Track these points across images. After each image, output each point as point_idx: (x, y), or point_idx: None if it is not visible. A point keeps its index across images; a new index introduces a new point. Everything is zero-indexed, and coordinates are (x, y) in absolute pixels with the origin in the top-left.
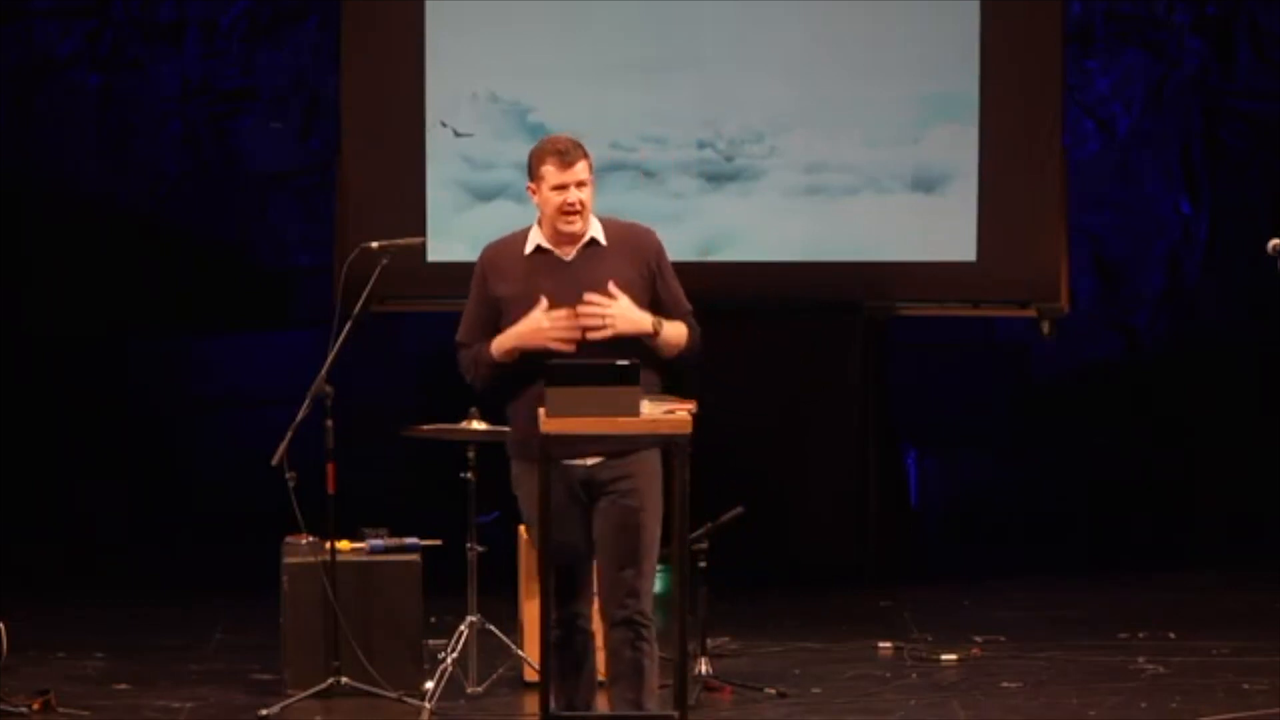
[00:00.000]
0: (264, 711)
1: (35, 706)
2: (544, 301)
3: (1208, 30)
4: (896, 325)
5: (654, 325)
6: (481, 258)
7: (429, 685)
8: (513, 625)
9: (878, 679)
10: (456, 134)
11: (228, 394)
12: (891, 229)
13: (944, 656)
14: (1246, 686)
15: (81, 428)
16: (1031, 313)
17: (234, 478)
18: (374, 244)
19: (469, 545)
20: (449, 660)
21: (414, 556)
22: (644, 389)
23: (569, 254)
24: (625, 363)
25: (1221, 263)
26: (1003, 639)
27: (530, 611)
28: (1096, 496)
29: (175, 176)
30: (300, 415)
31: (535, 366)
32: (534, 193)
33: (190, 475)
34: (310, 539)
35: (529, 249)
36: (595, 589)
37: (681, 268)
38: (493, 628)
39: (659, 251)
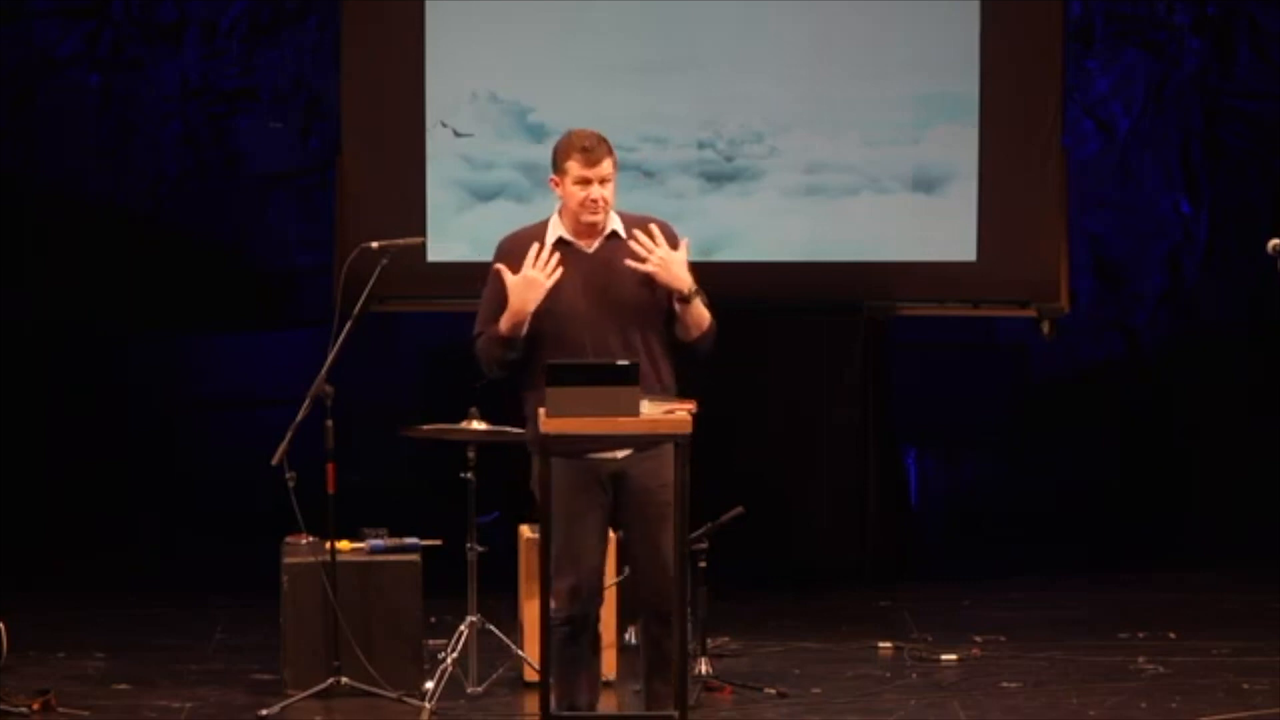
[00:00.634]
0: (264, 711)
1: (35, 706)
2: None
3: (1208, 30)
4: (896, 325)
5: (691, 289)
6: (502, 248)
7: (429, 685)
8: (513, 625)
9: (878, 679)
10: (456, 134)
11: (228, 394)
12: (891, 229)
13: (944, 656)
14: (1246, 686)
15: (81, 427)
16: (1031, 313)
17: (234, 478)
18: (374, 244)
19: (469, 545)
20: (449, 660)
21: (414, 556)
22: (656, 376)
23: (591, 246)
24: (625, 363)
25: (1221, 263)
26: (1003, 639)
27: (530, 611)
28: (1096, 496)
29: (175, 176)
30: (300, 415)
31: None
32: (557, 185)
33: (190, 475)
34: (310, 539)
35: (550, 240)
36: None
37: None
38: (493, 628)
39: (675, 242)
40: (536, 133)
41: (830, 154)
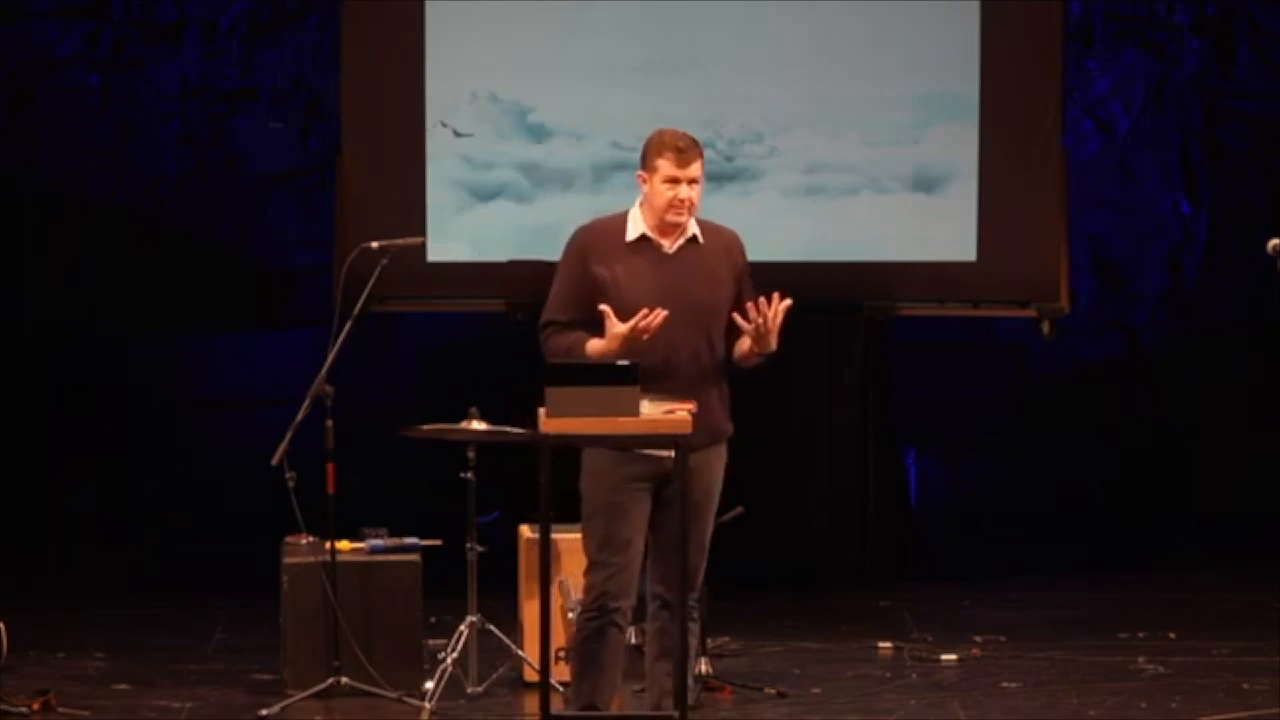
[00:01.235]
0: (264, 711)
1: (35, 706)
2: (607, 310)
3: (1208, 30)
4: (896, 325)
5: (772, 351)
6: (580, 238)
7: (429, 685)
8: (513, 625)
9: (878, 679)
10: (456, 134)
11: (228, 394)
12: (891, 229)
13: (944, 656)
14: (1246, 686)
15: (81, 427)
16: (1031, 313)
17: (234, 478)
18: (374, 244)
19: (469, 545)
20: (449, 660)
21: (414, 556)
22: (716, 381)
23: (671, 246)
24: (625, 363)
25: (1221, 263)
26: (1003, 639)
27: (530, 611)
28: (1096, 496)
29: (175, 176)
30: (300, 415)
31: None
32: (644, 181)
33: (190, 475)
34: (310, 539)
35: (631, 235)
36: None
37: None
38: (493, 628)
39: (744, 256)
40: (536, 133)
41: (830, 154)
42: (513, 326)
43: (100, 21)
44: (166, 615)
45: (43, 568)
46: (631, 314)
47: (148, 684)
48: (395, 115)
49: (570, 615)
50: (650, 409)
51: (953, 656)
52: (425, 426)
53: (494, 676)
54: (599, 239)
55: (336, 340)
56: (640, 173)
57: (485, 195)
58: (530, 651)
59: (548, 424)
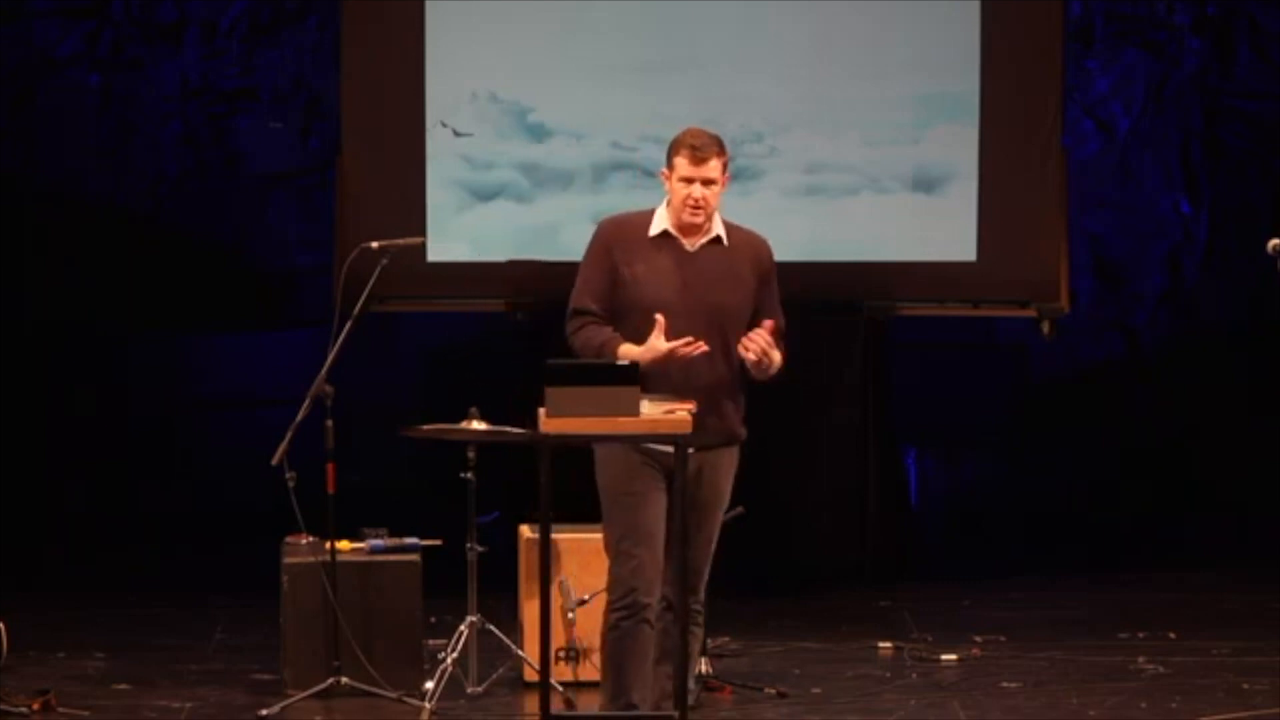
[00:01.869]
0: (264, 711)
1: (35, 706)
2: (660, 320)
3: (1208, 30)
4: (896, 325)
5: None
6: (604, 230)
7: (429, 685)
8: (513, 625)
9: (878, 679)
10: (456, 134)
11: (228, 394)
12: (891, 229)
13: (944, 656)
14: (1246, 686)
15: (81, 427)
16: (1031, 313)
17: (234, 478)
18: (374, 244)
19: (469, 545)
20: (449, 660)
21: (414, 556)
22: (731, 382)
23: (693, 245)
24: (625, 363)
25: (1221, 263)
26: (1003, 639)
27: (530, 611)
28: (1096, 496)
29: (175, 176)
30: (300, 415)
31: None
32: (666, 179)
33: (190, 475)
34: (310, 539)
35: (654, 231)
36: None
37: None
38: (493, 628)
39: (772, 263)
40: (536, 133)
41: (830, 154)
42: (513, 326)
43: (100, 21)
44: (166, 615)
45: (43, 568)
46: (649, 310)
47: (148, 684)
48: (395, 115)
49: (570, 615)
50: (650, 409)
51: (953, 656)
52: (425, 426)
53: (494, 676)
54: (623, 233)
55: (336, 340)
56: (663, 170)
57: (485, 195)
58: (530, 651)
59: (548, 424)
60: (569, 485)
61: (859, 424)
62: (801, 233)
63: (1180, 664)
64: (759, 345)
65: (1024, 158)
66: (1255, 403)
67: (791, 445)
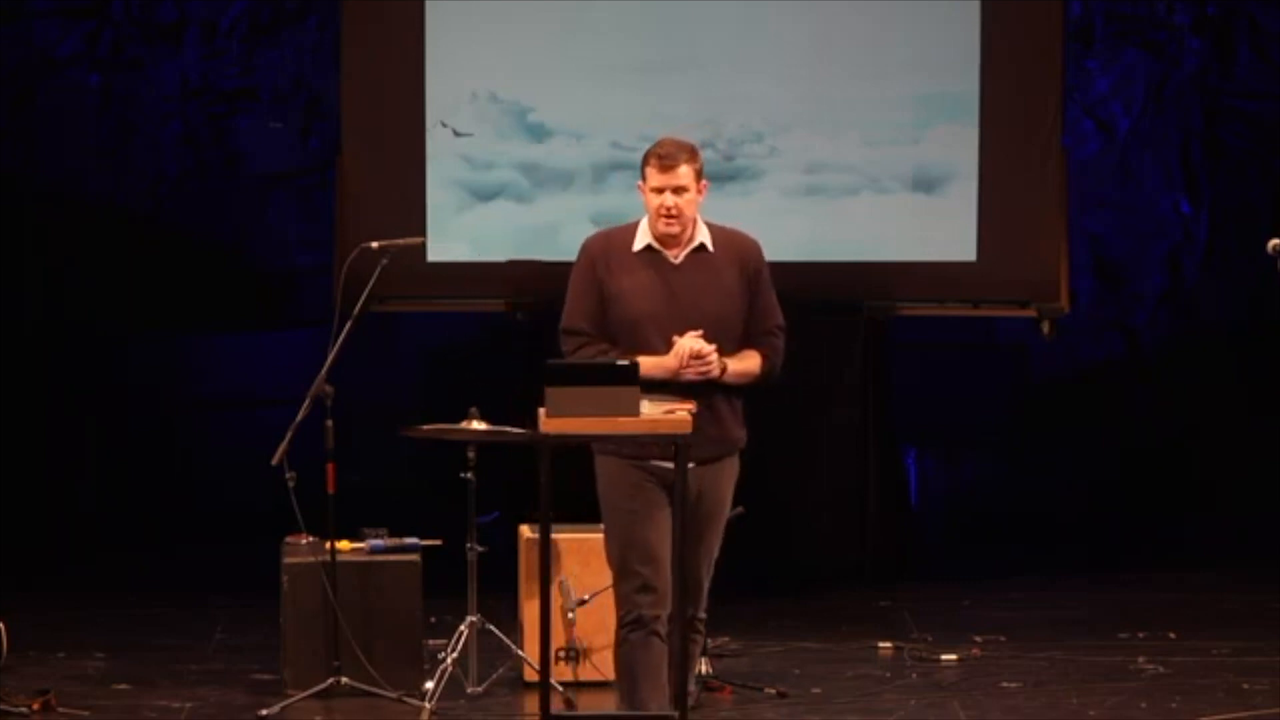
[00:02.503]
0: (264, 711)
1: (35, 706)
2: (682, 345)
3: (1208, 30)
4: (896, 325)
5: (721, 366)
6: (590, 248)
7: (429, 685)
8: (513, 625)
9: (878, 679)
10: (456, 134)
11: (228, 394)
12: (891, 229)
13: (944, 656)
14: (1246, 686)
15: (81, 427)
16: (1031, 313)
17: (234, 478)
18: (374, 244)
19: (469, 545)
20: (449, 660)
21: (414, 556)
22: (724, 392)
23: (678, 256)
24: (625, 362)
25: (1221, 263)
26: (1003, 639)
27: (530, 611)
28: (1096, 496)
29: (175, 176)
30: (300, 415)
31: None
32: (641, 191)
33: (190, 475)
34: (310, 539)
35: (638, 245)
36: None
37: None
38: (493, 628)
39: (760, 262)
40: (536, 133)
41: (830, 154)
42: (513, 326)
43: (100, 21)
44: (166, 615)
45: (43, 568)
46: (637, 329)
47: (148, 684)
48: (395, 115)
49: (570, 615)
50: (650, 409)
51: (953, 656)
52: (425, 426)
53: (494, 676)
54: (608, 248)
55: (336, 340)
56: (639, 182)
57: (485, 195)
58: (530, 651)
59: (548, 424)
60: (569, 485)
61: (859, 424)
62: (801, 233)
63: (1180, 664)
64: (694, 367)
65: (1024, 158)
66: (1255, 403)
67: (791, 445)
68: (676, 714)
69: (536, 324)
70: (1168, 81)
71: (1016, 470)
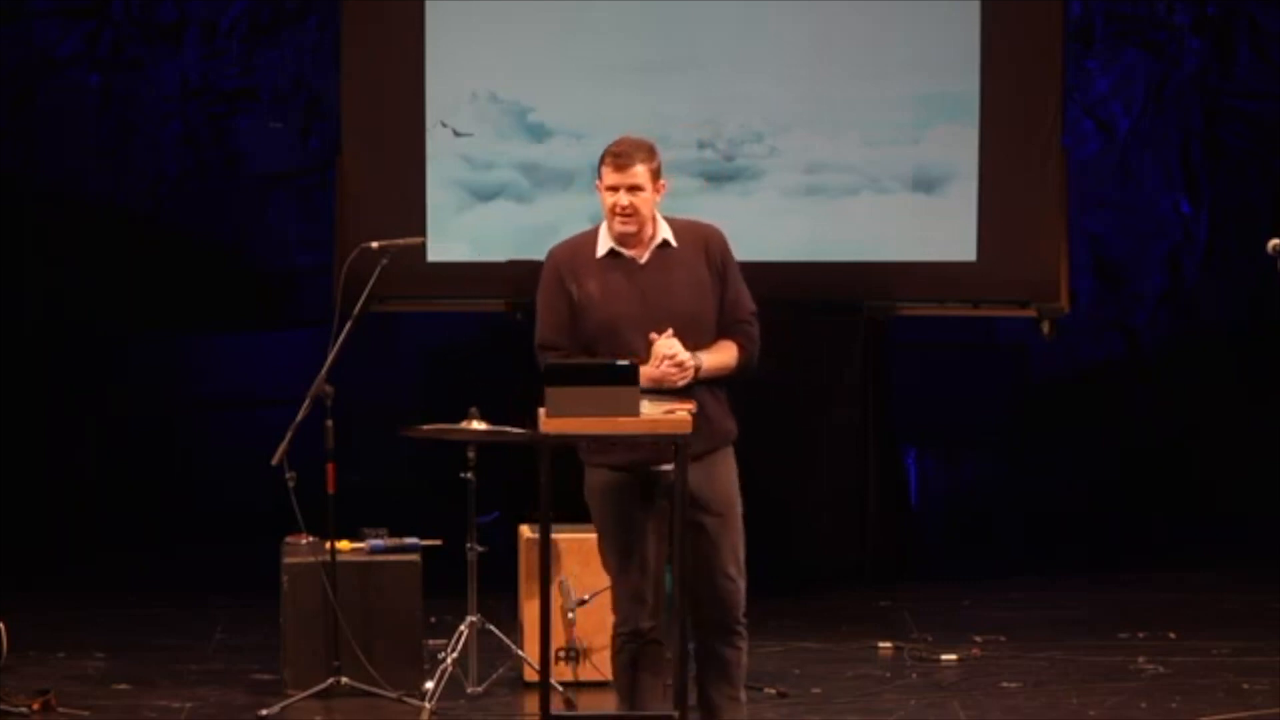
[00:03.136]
0: (264, 711)
1: (35, 706)
2: (657, 349)
3: (1208, 30)
4: (896, 325)
5: (693, 367)
6: (553, 259)
7: (429, 685)
8: (513, 625)
9: (878, 679)
10: (456, 134)
11: (228, 394)
12: (891, 229)
13: (944, 656)
14: (1246, 686)
15: (81, 427)
16: (1031, 313)
17: (234, 478)
18: (374, 244)
19: (469, 545)
20: (449, 660)
21: (414, 556)
22: (706, 386)
23: (642, 256)
24: (625, 362)
25: (1221, 263)
26: (1003, 639)
27: (530, 611)
28: (1096, 496)
29: (175, 176)
30: (300, 415)
31: None
32: (599, 190)
33: (190, 475)
34: (310, 539)
35: (601, 251)
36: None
37: None
38: (493, 628)
39: (724, 250)
40: (536, 133)
41: (830, 154)
42: (513, 326)
43: (100, 21)
44: (166, 615)
45: (43, 568)
46: (611, 333)
47: (148, 684)
48: (395, 115)
49: (570, 615)
50: (650, 409)
51: (953, 656)
52: (425, 426)
53: (494, 676)
54: (571, 257)
55: (336, 340)
56: (597, 182)
57: (485, 195)
58: (530, 651)
59: (548, 424)
60: (569, 485)
61: (859, 424)
62: (801, 233)
63: (1180, 664)
64: (667, 368)
65: (1024, 158)
66: (1255, 403)
67: (791, 445)
68: (676, 714)
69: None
70: (1168, 81)
71: (1016, 470)
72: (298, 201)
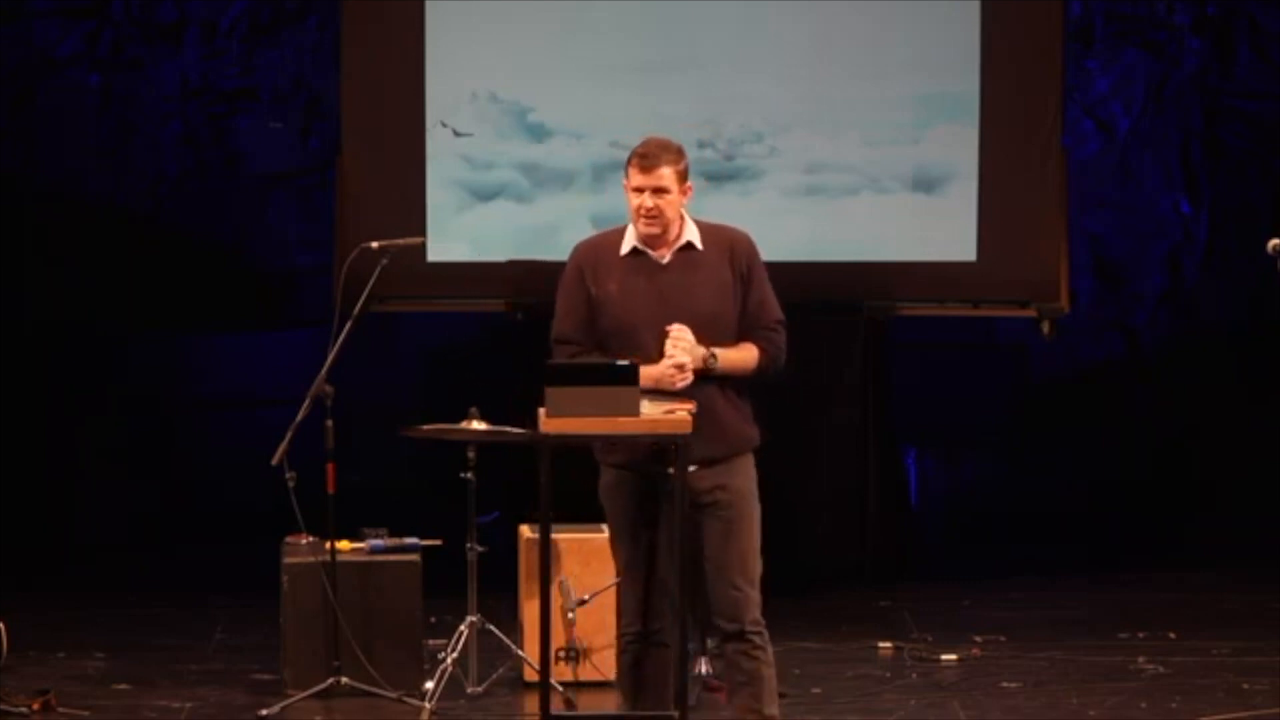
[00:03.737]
0: (264, 711)
1: (35, 706)
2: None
3: (1208, 30)
4: (896, 325)
5: (706, 360)
6: (577, 255)
7: (429, 685)
8: (513, 625)
9: (878, 679)
10: (456, 134)
11: (228, 394)
12: (891, 229)
13: (944, 656)
14: (1246, 686)
15: (81, 427)
16: (1031, 313)
17: (234, 478)
18: (374, 244)
19: (469, 545)
20: (449, 660)
21: (414, 556)
22: (720, 389)
23: (664, 256)
24: (625, 362)
25: (1221, 263)
26: (1003, 639)
27: (530, 611)
28: (1096, 496)
29: (175, 176)
30: (300, 415)
31: None
32: (625, 190)
33: (190, 475)
34: (310, 539)
35: (625, 249)
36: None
37: None
38: (493, 628)
39: (751, 255)
40: (536, 133)
41: (830, 154)
42: (513, 326)
43: (100, 21)
44: (166, 615)
45: (43, 568)
46: (629, 333)
47: (148, 684)
48: (395, 115)
49: (570, 615)
50: (650, 409)
51: (953, 656)
52: (425, 426)
53: (494, 676)
54: (594, 254)
55: (336, 340)
56: (624, 181)
57: (485, 195)
58: (530, 651)
59: (548, 424)
60: (569, 485)
61: (859, 424)
62: (801, 233)
63: (1180, 664)
64: (666, 367)
65: (1024, 158)
66: (1255, 403)
67: (791, 445)
68: (676, 714)
69: (536, 324)
70: (1168, 81)
71: (1016, 470)
72: (298, 201)
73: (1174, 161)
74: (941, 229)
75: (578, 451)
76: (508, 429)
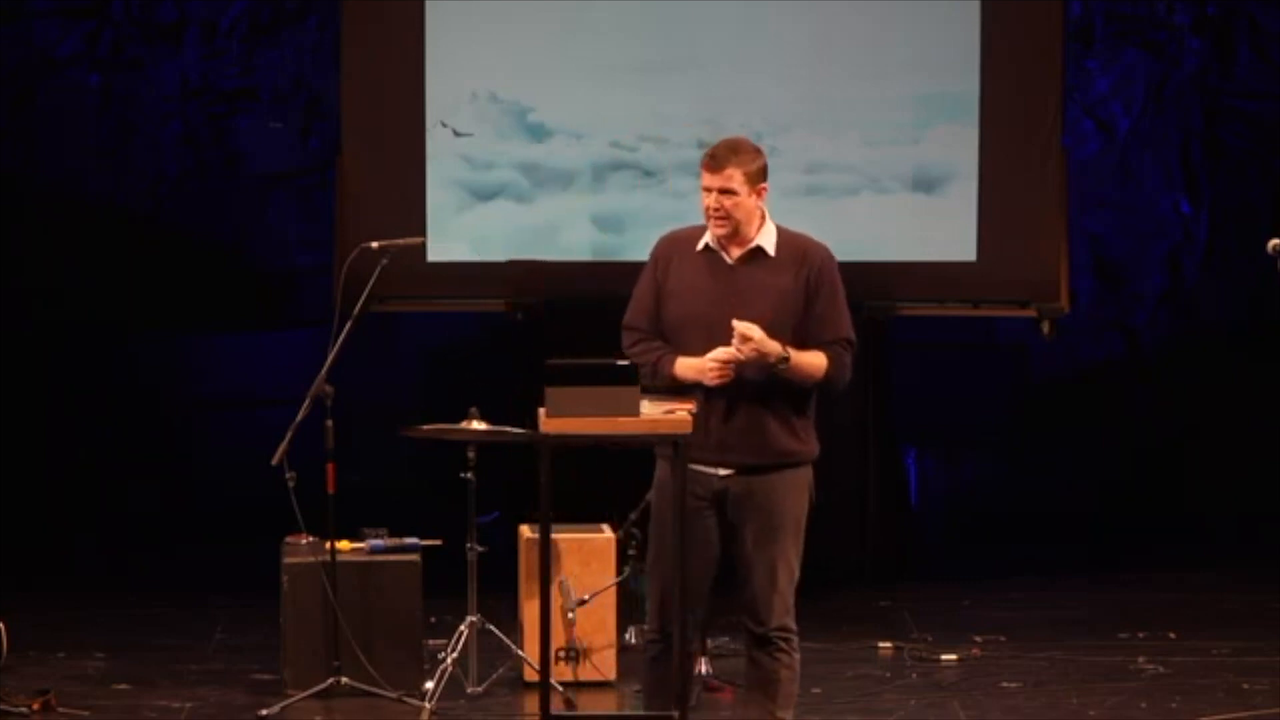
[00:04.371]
0: (264, 711)
1: (35, 706)
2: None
3: (1208, 30)
4: (896, 325)
5: (778, 356)
6: (660, 245)
7: (429, 685)
8: (513, 625)
9: (878, 679)
10: (456, 134)
11: (228, 394)
12: (891, 229)
13: (944, 656)
14: (1246, 686)
15: (81, 428)
16: (1031, 313)
17: (234, 478)
18: (374, 244)
19: (469, 545)
20: (449, 660)
21: (414, 556)
22: (773, 393)
23: (733, 257)
24: (625, 363)
25: (1221, 263)
26: (1003, 639)
27: (530, 611)
28: (1097, 496)
29: (175, 176)
30: (300, 415)
31: None
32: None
33: (190, 475)
34: (310, 539)
35: (700, 245)
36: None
37: None
38: (493, 628)
39: (824, 269)
40: (536, 133)
41: (830, 154)
42: (513, 326)
43: (100, 21)
44: (166, 615)
45: (43, 568)
46: (688, 329)
47: (148, 684)
48: (395, 115)
49: (570, 615)
50: (650, 409)
51: (953, 656)
52: (425, 426)
53: (494, 676)
54: (673, 247)
55: (336, 340)
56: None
57: (485, 195)
58: (530, 651)
59: (548, 424)
60: (569, 485)
61: (859, 424)
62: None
63: (1180, 664)
64: (715, 359)
65: (1024, 158)
66: (1255, 403)
67: None
68: (676, 714)
69: (536, 324)
70: (1168, 81)
71: (1016, 470)
72: (298, 201)
73: (1174, 161)
74: (941, 229)
75: (577, 451)
76: (508, 429)
